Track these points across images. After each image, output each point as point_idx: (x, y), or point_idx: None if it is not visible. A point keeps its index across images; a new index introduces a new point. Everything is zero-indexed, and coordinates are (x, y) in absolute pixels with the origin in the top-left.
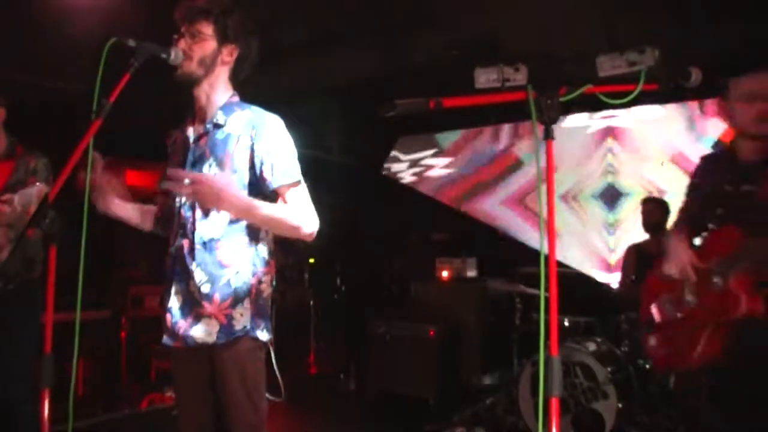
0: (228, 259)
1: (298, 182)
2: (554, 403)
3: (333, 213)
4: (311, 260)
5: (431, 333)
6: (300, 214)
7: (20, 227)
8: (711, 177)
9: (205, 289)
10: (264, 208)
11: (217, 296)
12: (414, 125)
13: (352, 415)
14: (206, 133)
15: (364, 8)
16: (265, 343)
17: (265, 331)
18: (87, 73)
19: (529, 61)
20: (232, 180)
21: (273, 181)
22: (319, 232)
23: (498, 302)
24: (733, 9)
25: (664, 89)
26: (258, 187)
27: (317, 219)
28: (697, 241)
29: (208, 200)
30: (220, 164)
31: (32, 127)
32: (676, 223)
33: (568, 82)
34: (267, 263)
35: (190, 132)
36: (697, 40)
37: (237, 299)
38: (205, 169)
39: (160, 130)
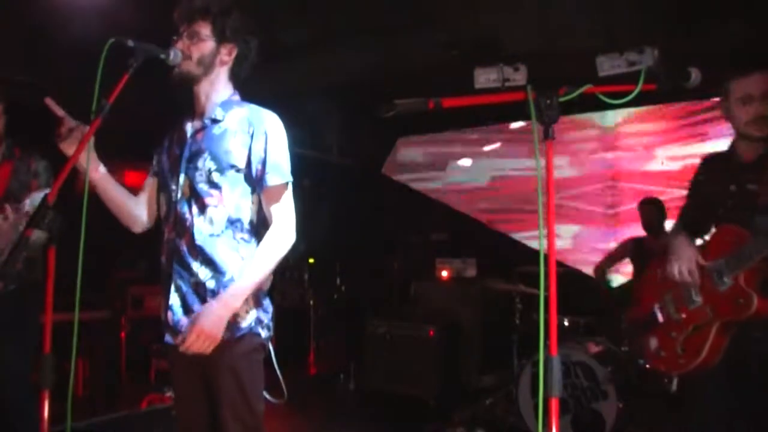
0: (230, 255)
1: (287, 184)
2: (554, 403)
3: (333, 213)
4: (311, 260)
5: (431, 333)
6: (281, 233)
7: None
8: (712, 177)
9: (211, 285)
10: (254, 274)
11: (222, 292)
12: (414, 125)
13: (352, 415)
14: (204, 128)
15: (364, 8)
16: (264, 344)
17: (266, 329)
18: (87, 73)
19: (529, 61)
20: (213, 307)
21: (266, 180)
22: (319, 232)
23: (498, 302)
24: (734, 9)
25: (664, 89)
26: (251, 182)
27: (294, 225)
28: (699, 241)
29: (213, 340)
30: (215, 159)
31: (32, 127)
32: (678, 224)
33: (568, 82)
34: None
35: (188, 127)
36: (697, 40)
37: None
38: (201, 163)
39: (159, 130)
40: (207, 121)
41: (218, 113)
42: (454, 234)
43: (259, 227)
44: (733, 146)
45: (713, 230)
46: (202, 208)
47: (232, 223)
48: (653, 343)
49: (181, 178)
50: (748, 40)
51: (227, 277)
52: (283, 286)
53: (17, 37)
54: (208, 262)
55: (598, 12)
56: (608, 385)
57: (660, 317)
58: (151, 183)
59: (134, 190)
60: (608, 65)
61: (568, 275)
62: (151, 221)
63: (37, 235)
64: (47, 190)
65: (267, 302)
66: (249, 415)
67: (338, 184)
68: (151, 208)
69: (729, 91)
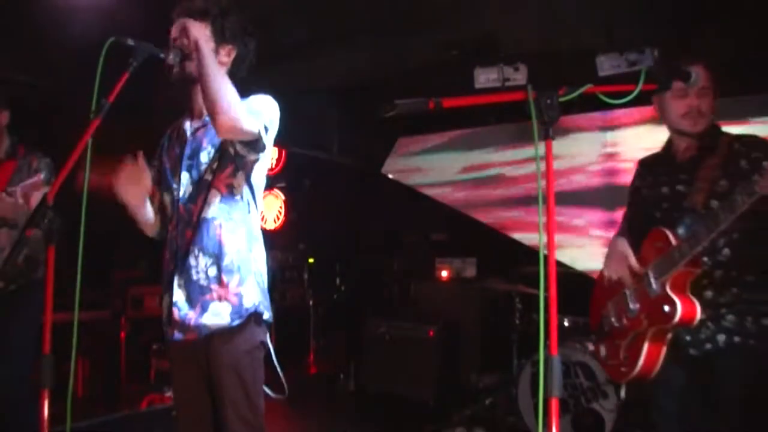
0: (227, 238)
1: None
2: (554, 403)
3: (333, 213)
4: (311, 260)
5: (431, 333)
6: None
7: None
8: (649, 180)
9: (212, 272)
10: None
11: (224, 278)
12: (414, 125)
13: (352, 415)
14: (204, 125)
15: (363, 8)
16: (264, 342)
17: (267, 309)
18: (86, 73)
19: (529, 61)
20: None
21: None
22: (319, 232)
23: (498, 302)
24: (733, 9)
25: (664, 89)
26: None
27: (252, 125)
28: None
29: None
30: (217, 151)
31: (32, 127)
32: (619, 230)
33: (568, 82)
34: (259, 240)
35: (188, 126)
36: (697, 40)
37: (242, 278)
38: (203, 157)
39: (159, 130)
40: (207, 119)
41: None
42: (454, 234)
43: (250, 205)
44: (667, 145)
45: (646, 234)
46: (201, 195)
47: (225, 199)
48: (602, 350)
49: (183, 176)
50: (748, 40)
51: (226, 261)
52: (283, 286)
53: (18, 37)
54: (208, 246)
55: (599, 12)
56: (608, 385)
57: (607, 324)
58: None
59: None
60: (608, 65)
61: (568, 275)
62: (162, 225)
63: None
64: (45, 189)
65: (265, 286)
66: (252, 414)
67: (338, 184)
68: (162, 212)
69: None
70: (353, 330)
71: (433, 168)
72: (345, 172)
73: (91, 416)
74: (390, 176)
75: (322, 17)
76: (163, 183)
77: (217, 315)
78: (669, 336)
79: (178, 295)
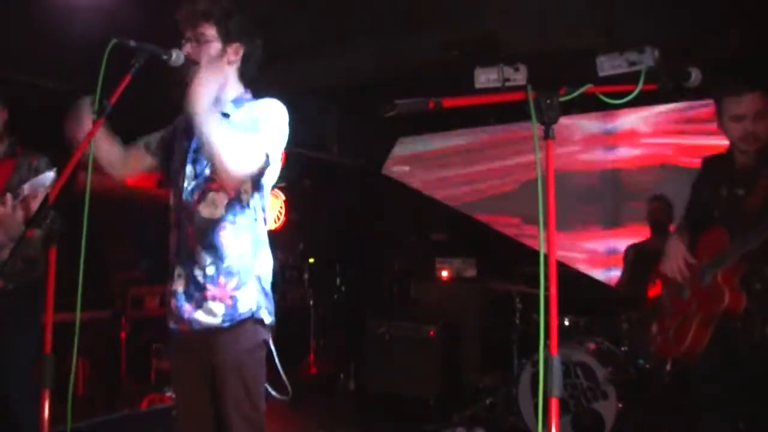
0: (230, 241)
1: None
2: (554, 403)
3: (333, 213)
4: (311, 260)
5: (431, 333)
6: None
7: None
8: (711, 179)
9: (210, 271)
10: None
11: (222, 279)
12: (414, 125)
13: (352, 415)
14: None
15: (364, 8)
16: (267, 340)
17: (268, 313)
18: (87, 74)
19: (529, 61)
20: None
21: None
22: (319, 232)
23: (498, 302)
24: (733, 9)
25: (664, 89)
26: None
27: (246, 164)
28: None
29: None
30: None
31: (32, 127)
32: (679, 224)
33: (568, 82)
34: (265, 245)
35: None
36: (697, 40)
37: (241, 281)
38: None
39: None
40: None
41: (228, 108)
42: (454, 234)
43: (257, 211)
44: (730, 150)
45: (704, 231)
46: (205, 193)
47: (232, 204)
48: (654, 328)
49: (188, 168)
50: (748, 40)
51: (226, 263)
52: (283, 286)
53: (19, 37)
54: (210, 246)
55: (599, 12)
56: (608, 385)
57: (660, 306)
58: (139, 148)
59: (134, 190)
60: (608, 65)
61: (568, 275)
62: (122, 173)
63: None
64: (49, 175)
65: (269, 290)
66: (253, 413)
67: (338, 184)
68: (127, 165)
69: (722, 108)
70: (353, 330)
71: (434, 167)
72: (345, 172)
73: (91, 416)
74: (390, 176)
75: (322, 17)
76: (168, 176)
77: (210, 313)
78: (715, 322)
79: (178, 285)
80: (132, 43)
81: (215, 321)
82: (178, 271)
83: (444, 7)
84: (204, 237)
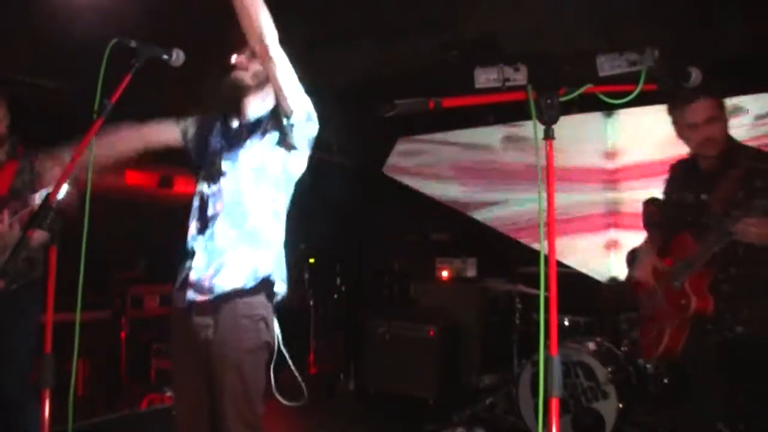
0: (252, 208)
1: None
2: (554, 403)
3: (333, 213)
4: (311, 260)
5: (431, 333)
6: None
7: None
8: (678, 185)
9: (232, 235)
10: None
11: (242, 243)
12: (414, 125)
13: (352, 415)
14: (248, 122)
15: (364, 8)
16: (268, 343)
17: (281, 281)
18: (87, 73)
19: (529, 61)
20: None
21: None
22: (319, 232)
23: (498, 302)
24: (734, 9)
25: (664, 89)
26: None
27: (302, 100)
28: None
29: None
30: (260, 134)
31: (32, 127)
32: (651, 231)
33: (568, 82)
34: (282, 218)
35: (234, 123)
36: (697, 40)
37: (260, 246)
38: (246, 144)
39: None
40: (251, 119)
41: (263, 118)
42: (454, 234)
43: (281, 183)
44: (694, 156)
45: (672, 237)
46: (238, 179)
47: (257, 172)
48: (638, 332)
49: (224, 163)
50: (747, 40)
51: (247, 227)
52: None
53: (20, 37)
54: (234, 214)
55: (599, 12)
56: (608, 385)
57: (643, 312)
58: (174, 130)
59: (134, 190)
60: (608, 65)
61: (568, 275)
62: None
63: (38, 233)
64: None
65: (282, 259)
66: (250, 414)
67: (338, 184)
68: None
69: (678, 115)
70: (353, 330)
71: (434, 167)
72: (345, 172)
73: (91, 416)
74: (390, 176)
75: (322, 18)
76: (200, 161)
77: (232, 277)
78: (690, 324)
79: (199, 260)
80: (132, 43)
81: (237, 284)
82: (198, 245)
83: (444, 7)
84: (230, 211)
